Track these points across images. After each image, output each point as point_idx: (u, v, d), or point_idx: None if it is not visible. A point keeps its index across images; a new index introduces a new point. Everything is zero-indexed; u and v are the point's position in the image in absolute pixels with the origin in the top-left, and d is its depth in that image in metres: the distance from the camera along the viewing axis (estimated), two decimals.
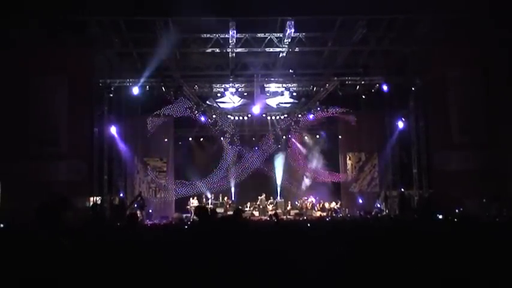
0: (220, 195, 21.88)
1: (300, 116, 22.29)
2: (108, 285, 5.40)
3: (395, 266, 6.30)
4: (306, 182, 23.07)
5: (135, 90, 19.38)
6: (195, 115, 21.11)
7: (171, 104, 20.56)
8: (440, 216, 14.84)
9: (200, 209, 7.01)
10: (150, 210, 20.09)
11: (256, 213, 21.24)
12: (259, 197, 22.09)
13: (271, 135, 23.00)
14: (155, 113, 20.93)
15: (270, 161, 23.00)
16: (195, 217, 17.13)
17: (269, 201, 22.08)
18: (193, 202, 21.13)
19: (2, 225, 12.84)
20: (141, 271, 5.91)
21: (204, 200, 21.36)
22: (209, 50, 18.22)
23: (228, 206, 21.32)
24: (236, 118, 22.06)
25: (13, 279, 3.76)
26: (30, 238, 4.01)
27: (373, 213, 19.86)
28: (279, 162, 23.00)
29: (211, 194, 21.87)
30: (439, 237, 7.34)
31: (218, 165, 22.37)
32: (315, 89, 20.94)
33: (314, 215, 20.97)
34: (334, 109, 21.41)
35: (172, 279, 5.87)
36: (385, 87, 19.88)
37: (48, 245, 3.94)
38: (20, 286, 3.76)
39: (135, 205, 18.55)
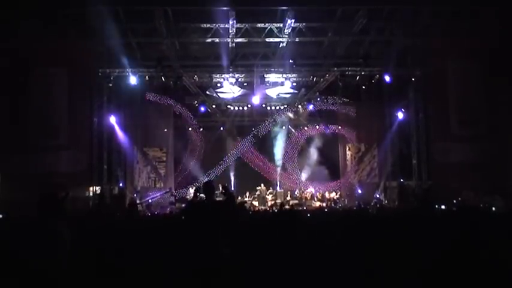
0: (220, 185, 21.85)
1: (299, 106, 22.32)
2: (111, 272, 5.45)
3: (394, 254, 6.35)
4: (305, 173, 23.11)
5: (133, 80, 19.35)
6: (195, 105, 21.22)
7: (170, 94, 20.64)
8: (443, 207, 14.92)
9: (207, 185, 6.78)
10: (150, 201, 20.15)
11: (256, 203, 21.27)
12: (259, 187, 22.11)
13: (270, 125, 23.02)
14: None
15: (269, 150, 23.02)
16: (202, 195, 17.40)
17: (268, 191, 22.10)
18: (192, 192, 21.15)
19: (1, 216, 12.85)
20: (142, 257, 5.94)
21: None
22: (209, 40, 18.17)
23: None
24: (236, 108, 22.06)
25: (13, 269, 3.78)
26: (32, 228, 4.02)
27: (372, 203, 19.91)
28: (279, 152, 23.02)
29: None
30: (437, 227, 7.38)
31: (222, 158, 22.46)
32: (315, 79, 20.94)
33: (313, 205, 20.99)
34: (334, 100, 21.36)
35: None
36: (387, 78, 19.80)
37: (49, 233, 3.95)
38: (21, 275, 3.78)
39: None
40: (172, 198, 19.91)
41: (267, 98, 21.55)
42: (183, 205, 20.09)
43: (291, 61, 19.42)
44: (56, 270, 3.91)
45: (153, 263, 6.14)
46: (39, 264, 3.87)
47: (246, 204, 17.94)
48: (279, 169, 22.93)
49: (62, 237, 4.08)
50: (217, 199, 7.78)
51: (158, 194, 20.20)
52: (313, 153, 23.10)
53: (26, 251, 3.91)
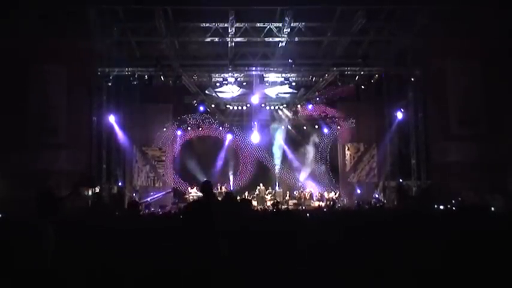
0: (219, 184, 21.88)
1: (298, 106, 22.33)
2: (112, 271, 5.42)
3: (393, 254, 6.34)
4: (304, 173, 23.11)
5: (132, 79, 19.33)
6: (194, 104, 21.27)
7: (170, 93, 20.69)
8: (442, 207, 14.92)
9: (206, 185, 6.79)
10: (149, 199, 20.16)
11: (255, 203, 21.26)
12: (258, 187, 22.11)
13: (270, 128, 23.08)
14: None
15: (268, 151, 23.03)
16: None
17: (267, 191, 22.10)
18: (192, 192, 21.16)
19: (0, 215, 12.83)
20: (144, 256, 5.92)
21: None
22: (208, 39, 18.16)
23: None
24: (235, 108, 22.05)
25: (12, 269, 3.77)
26: (29, 227, 4.01)
27: (371, 203, 19.89)
28: (278, 153, 23.02)
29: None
30: (436, 227, 7.37)
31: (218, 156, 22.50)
32: (314, 79, 20.94)
33: (312, 205, 21.00)
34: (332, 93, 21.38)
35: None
36: (386, 78, 19.81)
37: (35, 233, 3.94)
38: (19, 275, 3.77)
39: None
40: (175, 199, 19.98)
41: (266, 98, 21.54)
42: (183, 205, 20.24)
43: (290, 61, 19.40)
44: (42, 269, 3.90)
45: (152, 263, 6.12)
46: (25, 263, 3.86)
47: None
48: (277, 167, 22.94)
49: (47, 236, 4.06)
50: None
51: (160, 194, 20.21)
52: (312, 153, 23.11)
53: (14, 250, 3.90)
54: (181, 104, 21.78)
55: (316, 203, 21.21)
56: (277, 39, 18.08)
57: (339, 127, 22.97)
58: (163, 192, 20.63)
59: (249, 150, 22.84)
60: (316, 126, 23.36)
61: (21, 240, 3.99)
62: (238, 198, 16.03)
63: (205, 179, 16.01)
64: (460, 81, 18.62)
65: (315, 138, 23.18)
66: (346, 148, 22.93)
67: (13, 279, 3.81)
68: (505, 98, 17.34)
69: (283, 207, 19.51)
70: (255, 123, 22.81)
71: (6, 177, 16.38)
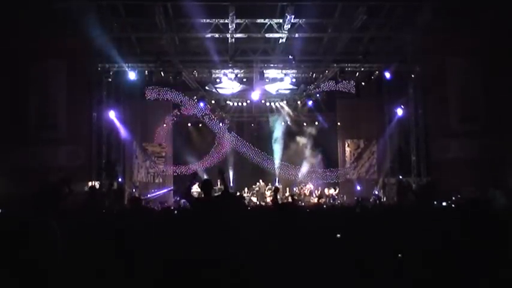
0: (218, 181, 21.85)
1: (299, 102, 22.32)
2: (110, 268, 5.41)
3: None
4: (304, 169, 23.12)
5: (132, 75, 19.30)
6: (194, 101, 21.28)
7: (170, 89, 20.71)
8: (444, 204, 14.91)
9: (206, 183, 6.88)
10: (149, 195, 20.16)
11: (255, 199, 21.30)
12: (257, 183, 22.14)
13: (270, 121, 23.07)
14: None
15: (268, 147, 23.04)
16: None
17: (267, 187, 22.13)
18: (192, 189, 21.16)
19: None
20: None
21: None
22: (208, 35, 18.11)
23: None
24: (235, 104, 22.06)
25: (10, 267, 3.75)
26: (27, 223, 4.00)
27: (371, 200, 19.92)
28: (277, 149, 23.03)
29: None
30: (435, 223, 7.37)
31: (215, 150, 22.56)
32: (314, 75, 20.93)
33: (312, 201, 21.03)
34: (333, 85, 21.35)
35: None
36: (387, 75, 19.78)
37: (41, 229, 3.92)
38: (18, 274, 3.75)
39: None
40: (176, 197, 20.00)
41: (266, 94, 21.54)
42: (182, 201, 20.23)
43: (290, 57, 19.37)
44: (50, 267, 3.87)
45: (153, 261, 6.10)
46: (33, 260, 3.83)
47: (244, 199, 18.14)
48: (277, 163, 22.95)
49: (53, 233, 4.03)
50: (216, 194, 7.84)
51: (161, 192, 20.21)
52: (312, 149, 23.12)
53: (19, 247, 3.87)
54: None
55: (316, 200, 21.23)
56: (277, 35, 18.03)
57: (338, 123, 22.99)
58: (165, 190, 20.62)
59: (248, 146, 22.85)
60: (316, 123, 23.40)
61: (25, 237, 3.95)
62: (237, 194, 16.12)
63: (205, 178, 16.03)
64: (460, 78, 18.61)
65: (314, 134, 23.19)
66: (346, 145, 22.94)
67: (18, 277, 3.78)
68: (505, 95, 17.32)
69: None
70: (255, 119, 22.86)
71: (6, 173, 16.38)
